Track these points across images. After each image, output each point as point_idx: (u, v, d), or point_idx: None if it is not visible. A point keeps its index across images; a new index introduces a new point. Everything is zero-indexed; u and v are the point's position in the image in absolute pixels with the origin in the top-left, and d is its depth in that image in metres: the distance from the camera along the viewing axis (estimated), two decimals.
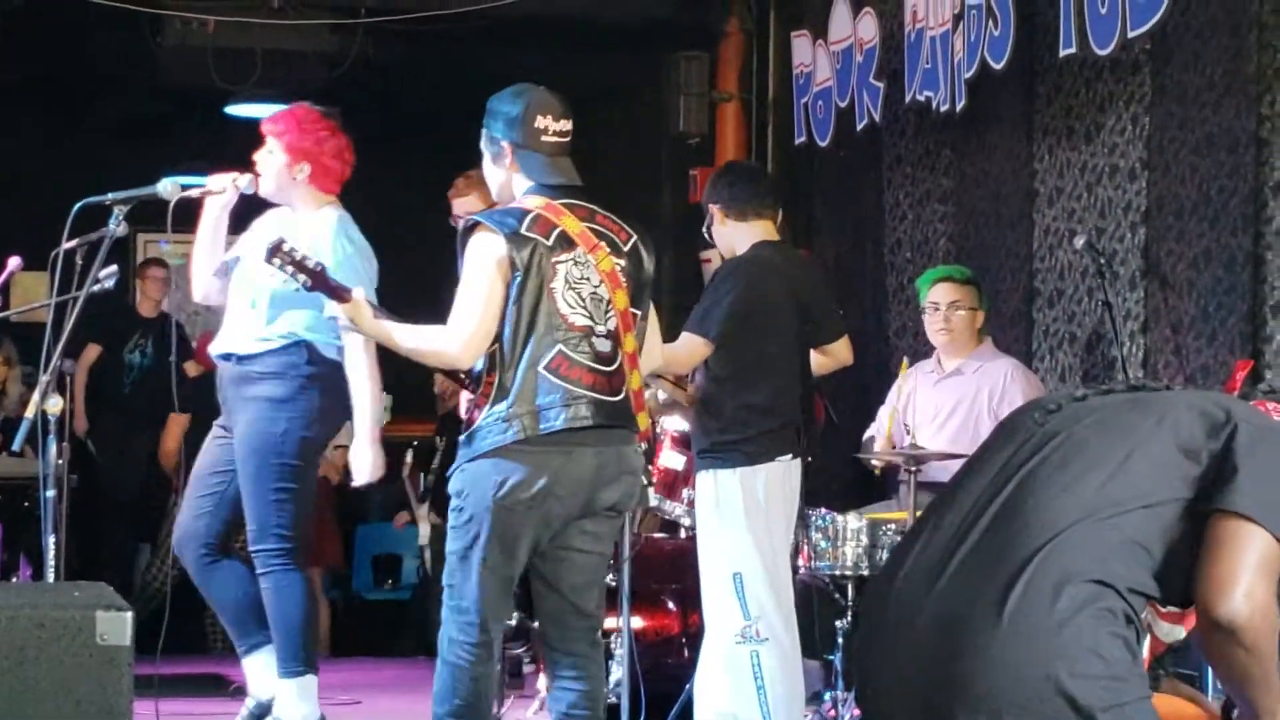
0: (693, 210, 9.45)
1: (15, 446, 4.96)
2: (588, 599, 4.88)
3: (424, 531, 9.13)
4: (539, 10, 9.02)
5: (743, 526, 5.58)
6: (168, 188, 4.91)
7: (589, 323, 4.75)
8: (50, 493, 4.88)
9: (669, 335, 6.02)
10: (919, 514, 5.93)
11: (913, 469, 5.96)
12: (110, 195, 4.87)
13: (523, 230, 4.71)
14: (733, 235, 6.02)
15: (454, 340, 4.73)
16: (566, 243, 4.76)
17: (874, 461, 6.69)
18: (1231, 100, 5.77)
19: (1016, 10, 6.70)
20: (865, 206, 8.45)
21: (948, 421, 6.58)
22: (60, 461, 4.97)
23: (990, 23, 6.82)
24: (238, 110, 10.59)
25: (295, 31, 9.24)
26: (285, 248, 4.76)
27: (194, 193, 5.49)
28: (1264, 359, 5.59)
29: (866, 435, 6.81)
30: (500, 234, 4.69)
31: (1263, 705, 3.06)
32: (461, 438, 4.75)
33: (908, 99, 7.61)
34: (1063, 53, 6.37)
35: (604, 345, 4.76)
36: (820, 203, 9.00)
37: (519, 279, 4.68)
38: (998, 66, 6.81)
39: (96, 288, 4.89)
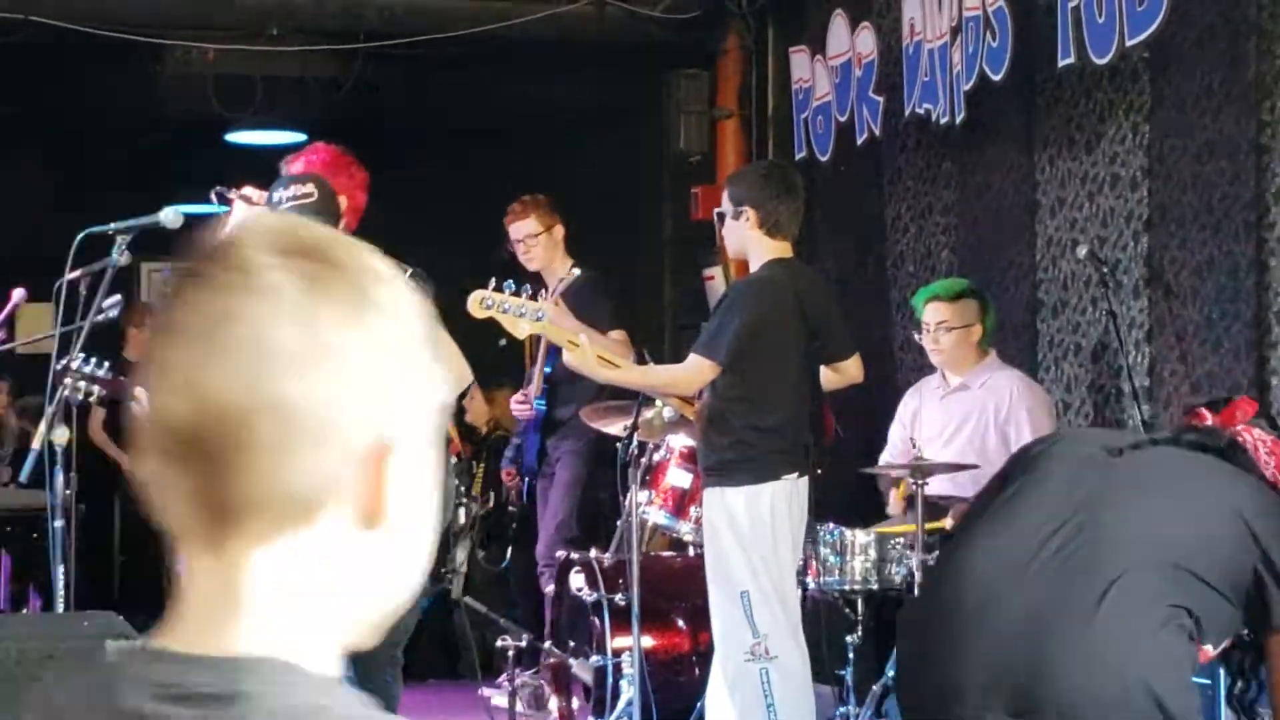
0: (693, 228, 9.47)
1: (23, 478, 4.96)
2: None
3: None
4: (538, 33, 9.03)
5: (750, 545, 5.57)
6: (170, 216, 4.91)
7: None
8: (59, 523, 4.88)
9: (672, 355, 6.01)
10: (963, 514, 6.04)
11: (920, 482, 5.95)
12: (113, 225, 4.87)
13: None
14: (754, 244, 5.93)
15: None
16: None
17: (892, 508, 6.66)
18: (1231, 107, 5.77)
19: (1014, 21, 6.70)
20: (867, 221, 8.44)
21: (955, 436, 6.57)
22: (68, 492, 4.97)
23: (988, 34, 6.82)
24: (239, 138, 10.61)
25: (295, 58, 9.26)
26: (83, 368, 4.71)
27: (232, 194, 5.47)
28: (1269, 365, 5.59)
29: (882, 460, 6.79)
30: None
31: None
32: None
33: (907, 112, 7.61)
34: (1061, 63, 6.37)
35: None
36: (822, 218, 8.99)
37: None
38: (996, 78, 6.82)
39: (100, 317, 4.88)
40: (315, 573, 1.25)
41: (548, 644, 6.89)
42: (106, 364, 4.71)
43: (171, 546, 1.29)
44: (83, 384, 4.65)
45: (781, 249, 5.96)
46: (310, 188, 5.03)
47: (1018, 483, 3.66)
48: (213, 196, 5.35)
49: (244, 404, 1.21)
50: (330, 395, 1.23)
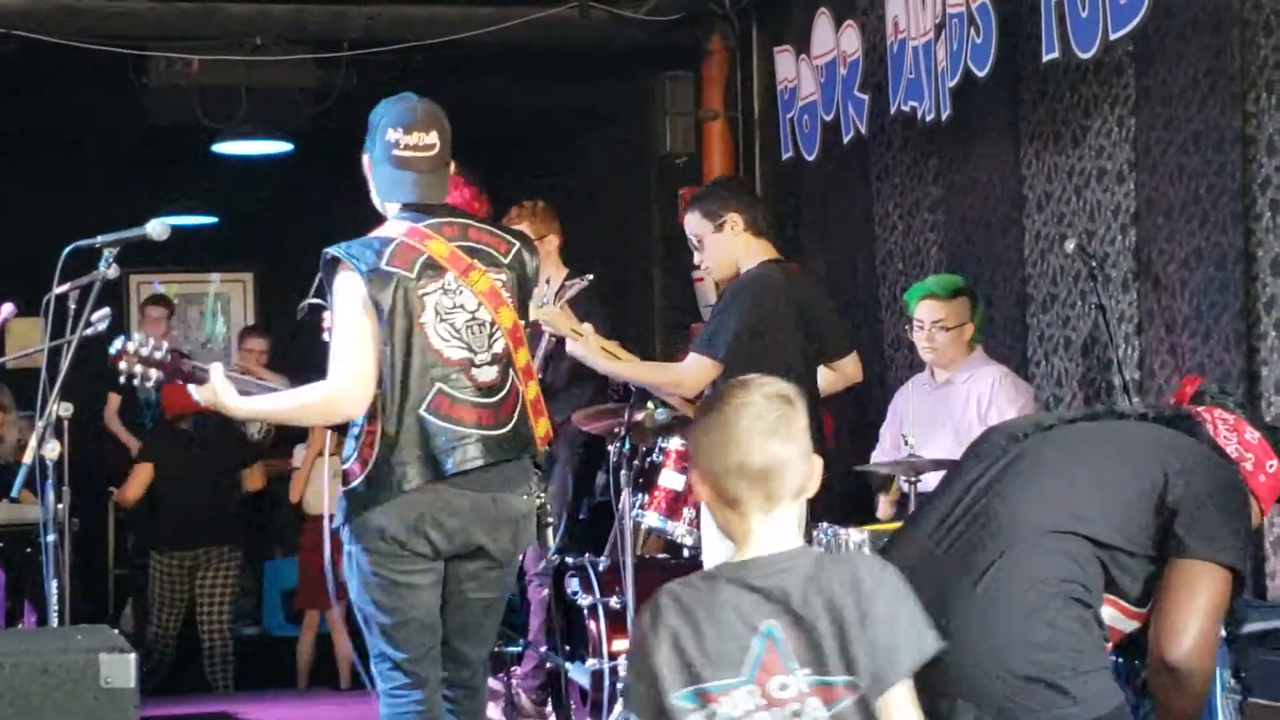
0: (682, 230, 9.45)
1: (14, 493, 4.94)
2: (467, 643, 4.69)
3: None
4: (523, 38, 9.03)
5: None
6: (157, 229, 4.89)
7: (468, 354, 4.54)
8: (51, 538, 4.86)
9: (663, 357, 6.01)
10: (900, 523, 6.10)
11: (911, 479, 5.95)
12: (100, 238, 4.84)
13: (383, 265, 4.46)
14: (743, 248, 5.97)
15: (342, 390, 4.47)
16: (433, 270, 4.51)
17: (882, 512, 6.66)
18: (1216, 98, 5.77)
19: (998, 17, 6.70)
20: (855, 219, 8.45)
21: (940, 431, 6.58)
22: (60, 506, 4.96)
23: (972, 31, 6.83)
24: (224, 148, 10.60)
25: (280, 67, 9.25)
26: (131, 348, 4.51)
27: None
28: (1258, 355, 5.59)
29: (873, 458, 6.79)
30: (359, 273, 4.46)
31: None
32: (344, 488, 4.54)
33: (893, 110, 7.61)
34: (1045, 58, 6.37)
35: (488, 374, 4.55)
36: (809, 217, 9.00)
37: (385, 319, 4.44)
38: (981, 74, 6.82)
39: (89, 331, 4.86)
40: None
41: (544, 649, 6.89)
42: (165, 345, 4.59)
43: None
44: (139, 367, 4.54)
45: (769, 250, 5.98)
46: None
47: (941, 484, 3.79)
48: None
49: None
50: None
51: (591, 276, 7.04)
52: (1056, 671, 3.38)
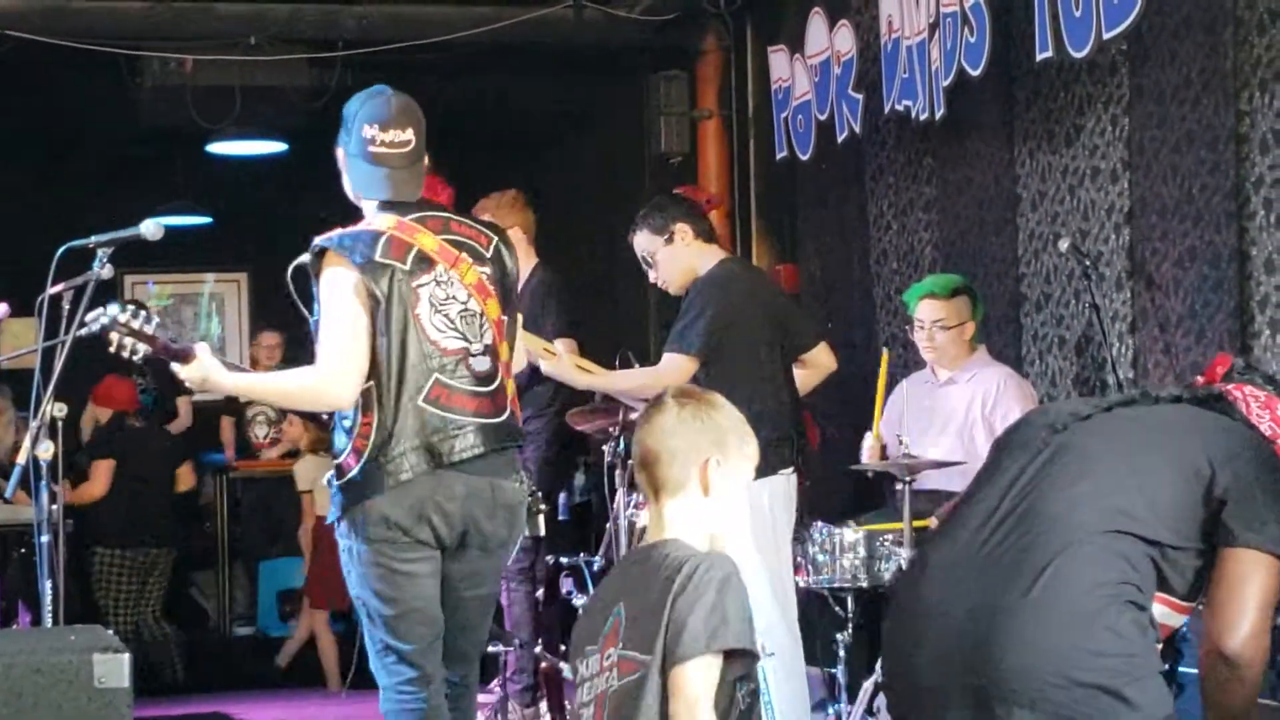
0: None
1: (8, 494, 4.94)
2: (464, 640, 4.71)
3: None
4: (517, 38, 9.03)
5: (749, 541, 5.57)
6: (151, 229, 4.88)
7: (464, 344, 4.58)
8: (45, 538, 4.85)
9: (657, 356, 6.03)
10: (938, 524, 6.07)
11: (908, 478, 5.95)
12: (94, 238, 4.83)
13: (377, 257, 4.49)
14: (698, 256, 6.09)
15: (332, 377, 4.48)
16: (425, 263, 4.55)
17: (865, 456, 6.64)
18: (1210, 97, 5.78)
19: (991, 16, 6.71)
20: (849, 218, 8.45)
21: (943, 432, 6.58)
22: (54, 507, 4.95)
23: (966, 30, 6.83)
24: (219, 148, 10.60)
25: (273, 67, 9.24)
26: (122, 318, 4.41)
27: None
28: (1252, 354, 5.59)
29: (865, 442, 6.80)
30: (352, 264, 4.48)
31: None
32: (339, 482, 4.54)
33: (887, 109, 7.62)
34: (1039, 57, 6.38)
35: (483, 364, 4.59)
36: (804, 216, 9.00)
37: (382, 310, 4.46)
38: (975, 73, 6.82)
39: (83, 331, 4.85)
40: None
41: (539, 648, 6.89)
42: (155, 320, 4.56)
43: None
44: (129, 340, 4.51)
45: (721, 252, 6.09)
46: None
47: (981, 478, 3.72)
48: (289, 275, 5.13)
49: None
50: None
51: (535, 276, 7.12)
52: (1116, 677, 3.34)
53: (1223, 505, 3.48)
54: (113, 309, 4.47)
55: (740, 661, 3.39)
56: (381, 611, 4.58)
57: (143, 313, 4.50)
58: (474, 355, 4.58)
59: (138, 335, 4.45)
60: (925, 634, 3.48)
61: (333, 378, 4.50)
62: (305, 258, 4.58)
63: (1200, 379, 3.92)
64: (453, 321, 4.57)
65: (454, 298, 4.59)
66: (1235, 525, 3.46)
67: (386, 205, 4.66)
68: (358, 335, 4.48)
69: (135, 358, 4.53)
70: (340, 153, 4.74)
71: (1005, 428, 3.98)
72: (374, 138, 4.63)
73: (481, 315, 4.62)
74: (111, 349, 4.52)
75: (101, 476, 9.45)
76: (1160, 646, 3.59)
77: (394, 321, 4.48)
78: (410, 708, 4.58)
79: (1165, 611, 3.58)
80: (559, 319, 7.07)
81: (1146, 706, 3.34)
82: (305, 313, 4.66)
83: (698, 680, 3.33)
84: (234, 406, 10.72)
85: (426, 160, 4.78)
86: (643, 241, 6.19)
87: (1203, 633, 3.53)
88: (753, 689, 3.47)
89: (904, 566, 5.64)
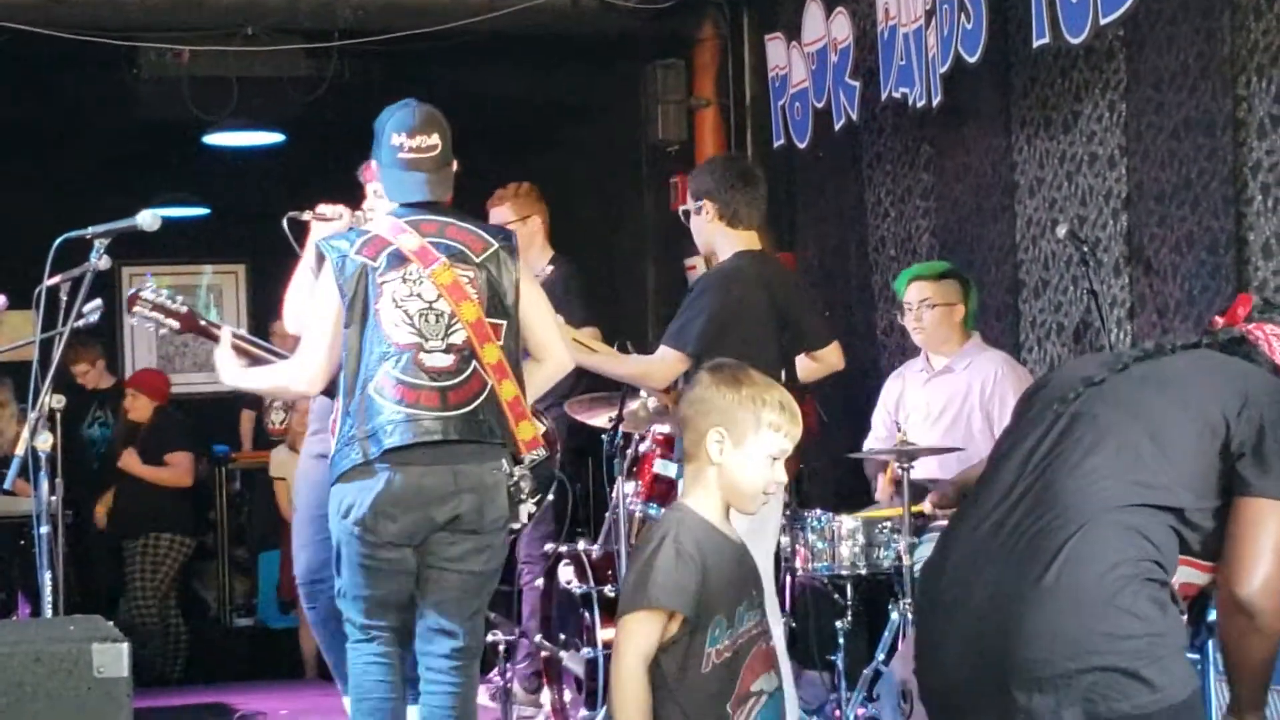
0: (674, 218, 9.45)
1: (7, 485, 4.95)
2: (446, 617, 4.88)
3: None
4: (514, 27, 9.02)
5: (743, 524, 5.56)
6: (148, 219, 4.89)
7: (417, 340, 4.77)
8: (44, 529, 4.86)
9: (655, 344, 6.02)
10: (935, 501, 6.08)
11: (905, 466, 5.96)
12: (91, 229, 4.86)
13: (351, 254, 4.80)
14: (718, 237, 5.98)
15: (295, 368, 4.92)
16: (397, 261, 4.80)
17: (880, 494, 6.65)
18: (1207, 83, 5.77)
19: (988, 3, 6.70)
20: (847, 206, 8.45)
21: (939, 419, 6.58)
22: (54, 498, 4.96)
23: (962, 16, 6.82)
24: (216, 139, 10.59)
25: (270, 58, 9.24)
26: (149, 295, 4.78)
27: (305, 215, 5.51)
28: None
29: (866, 445, 6.79)
30: (332, 261, 4.82)
31: (1246, 696, 3.47)
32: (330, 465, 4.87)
33: (884, 96, 7.61)
34: (1036, 43, 6.37)
35: (438, 360, 4.78)
36: (802, 204, 9.00)
37: (346, 305, 4.77)
38: (972, 60, 6.81)
39: (81, 322, 4.87)
40: None
41: (539, 637, 6.90)
42: (179, 297, 4.76)
43: None
44: (158, 314, 4.71)
45: (747, 240, 5.98)
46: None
47: (995, 457, 3.70)
48: (285, 224, 5.39)
49: None
50: None
51: (552, 267, 7.16)
52: (1136, 659, 3.31)
53: (1240, 457, 3.43)
54: (148, 285, 4.80)
55: (680, 623, 3.54)
56: (349, 590, 4.87)
57: (165, 292, 4.79)
58: (427, 351, 4.77)
59: (166, 311, 4.67)
60: (948, 629, 3.47)
61: (295, 369, 4.91)
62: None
63: (1220, 319, 3.85)
64: (410, 318, 4.78)
65: (419, 295, 4.80)
66: (1250, 474, 3.42)
67: (405, 205, 4.95)
68: (325, 331, 4.83)
69: (163, 332, 4.77)
70: (374, 164, 5.05)
71: (1019, 396, 3.92)
72: (403, 145, 4.92)
73: (450, 316, 4.80)
74: (134, 322, 5.06)
75: (187, 466, 9.76)
76: (1188, 605, 3.57)
77: (355, 315, 4.76)
78: (367, 663, 4.90)
79: (1188, 571, 3.54)
80: (582, 308, 7.12)
81: (1166, 687, 3.31)
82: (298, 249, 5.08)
83: (622, 635, 3.55)
84: (254, 400, 10.71)
85: (455, 165, 5.07)
86: (686, 198, 6.16)
87: (1219, 583, 3.49)
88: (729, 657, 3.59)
89: (930, 559, 5.63)
